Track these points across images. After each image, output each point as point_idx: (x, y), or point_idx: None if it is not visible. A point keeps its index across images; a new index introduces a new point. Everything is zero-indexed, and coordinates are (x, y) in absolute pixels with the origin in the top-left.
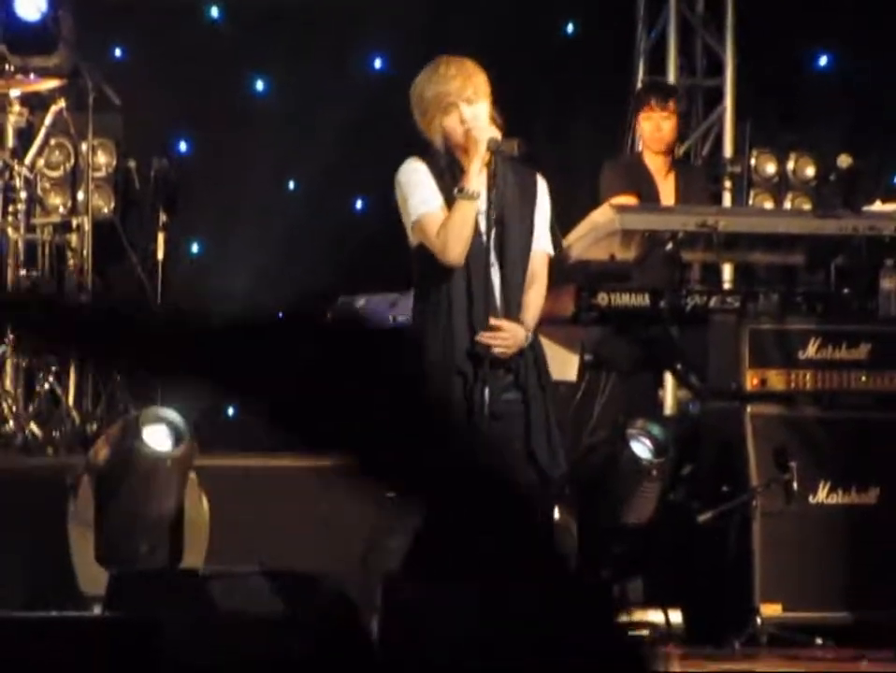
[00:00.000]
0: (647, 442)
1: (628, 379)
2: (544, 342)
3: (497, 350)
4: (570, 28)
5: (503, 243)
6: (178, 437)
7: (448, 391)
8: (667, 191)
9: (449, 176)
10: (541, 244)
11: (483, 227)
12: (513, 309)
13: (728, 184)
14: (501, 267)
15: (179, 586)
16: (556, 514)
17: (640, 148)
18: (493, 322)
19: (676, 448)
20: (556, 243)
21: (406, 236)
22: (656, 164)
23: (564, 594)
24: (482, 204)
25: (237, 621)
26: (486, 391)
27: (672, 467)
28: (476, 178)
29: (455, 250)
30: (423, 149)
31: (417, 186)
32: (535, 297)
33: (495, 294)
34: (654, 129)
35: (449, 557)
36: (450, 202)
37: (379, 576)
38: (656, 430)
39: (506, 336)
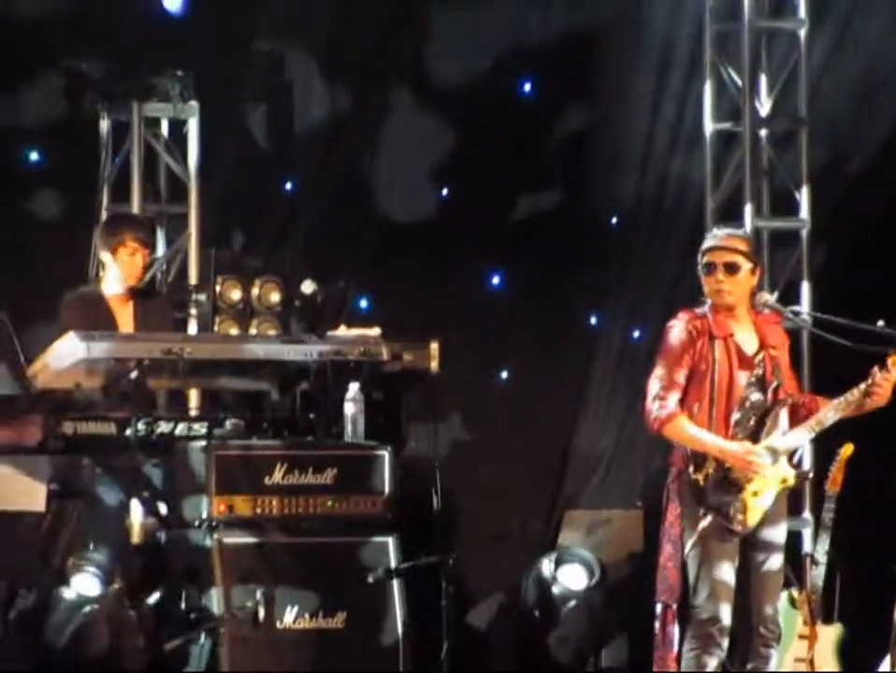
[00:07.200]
0: (94, 572)
1: (96, 506)
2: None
3: None
4: (34, 156)
5: None
6: None
7: None
8: (125, 318)
9: None
10: None
11: None
12: None
13: (193, 311)
14: None
15: None
16: None
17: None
18: None
19: (142, 576)
20: (22, 374)
21: None
22: (116, 291)
23: None
24: None
25: None
26: None
27: (139, 597)
28: None
29: None
30: None
31: None
32: None
33: None
34: (128, 265)
35: None
36: None
37: None
38: (98, 557)
39: None
